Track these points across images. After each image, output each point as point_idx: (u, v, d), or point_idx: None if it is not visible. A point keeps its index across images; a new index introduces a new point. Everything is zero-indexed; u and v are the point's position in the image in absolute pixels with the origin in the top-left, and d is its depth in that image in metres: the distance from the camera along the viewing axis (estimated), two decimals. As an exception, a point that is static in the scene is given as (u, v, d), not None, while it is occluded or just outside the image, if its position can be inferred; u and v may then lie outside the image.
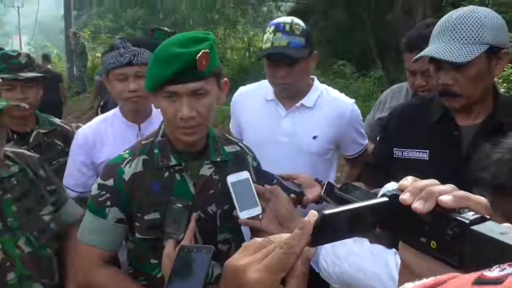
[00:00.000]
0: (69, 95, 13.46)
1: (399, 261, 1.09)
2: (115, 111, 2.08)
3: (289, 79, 1.94)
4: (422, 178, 0.71)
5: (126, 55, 1.90)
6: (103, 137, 2.00)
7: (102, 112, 2.72)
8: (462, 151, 1.56)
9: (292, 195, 1.55)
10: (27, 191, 1.56)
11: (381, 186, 1.69)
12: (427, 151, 1.61)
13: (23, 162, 1.60)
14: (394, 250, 1.12)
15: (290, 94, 2.01)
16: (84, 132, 2.04)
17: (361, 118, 2.17)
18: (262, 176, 1.55)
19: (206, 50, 1.26)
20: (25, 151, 1.69)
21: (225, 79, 1.43)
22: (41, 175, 1.63)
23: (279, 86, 1.98)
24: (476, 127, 1.56)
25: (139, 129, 2.00)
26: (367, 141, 2.19)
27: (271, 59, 1.94)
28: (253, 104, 2.09)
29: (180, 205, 1.32)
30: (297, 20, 1.97)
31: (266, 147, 1.93)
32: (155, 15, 20.55)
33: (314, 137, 2.00)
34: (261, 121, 2.05)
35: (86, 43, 16.36)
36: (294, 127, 2.01)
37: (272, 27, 1.95)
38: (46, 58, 10.10)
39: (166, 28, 4.29)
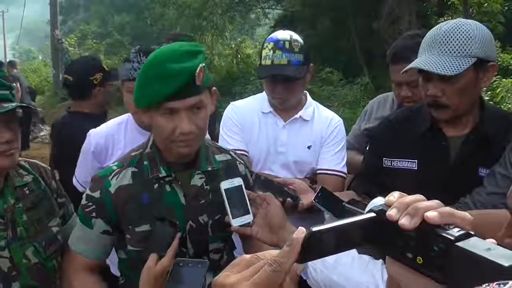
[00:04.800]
0: (55, 101, 13.32)
1: (385, 272, 1.11)
2: (130, 115, 2.07)
3: (288, 94, 1.99)
4: (411, 187, 0.71)
5: (137, 70, 1.86)
6: (115, 140, 1.99)
7: None
8: (450, 161, 1.58)
9: (288, 199, 1.55)
10: (39, 201, 1.53)
11: (370, 195, 1.71)
12: (416, 161, 1.63)
13: (37, 172, 1.58)
14: (381, 261, 1.13)
15: (288, 107, 2.06)
16: (97, 136, 2.00)
17: (345, 136, 2.16)
18: (257, 182, 1.55)
19: (203, 65, 1.27)
20: (38, 162, 1.66)
21: (214, 88, 1.43)
22: (53, 187, 1.61)
23: (278, 100, 2.02)
24: (463, 137, 1.58)
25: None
26: (343, 171, 2.07)
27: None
28: (251, 119, 2.10)
29: (167, 222, 1.32)
30: (295, 36, 1.99)
31: (268, 158, 2.03)
32: (143, 21, 20.48)
33: (309, 147, 2.05)
34: (261, 133, 2.07)
35: (72, 49, 16.21)
36: (291, 137, 2.05)
37: (271, 44, 1.95)
38: (11, 64, 10.19)
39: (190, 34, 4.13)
